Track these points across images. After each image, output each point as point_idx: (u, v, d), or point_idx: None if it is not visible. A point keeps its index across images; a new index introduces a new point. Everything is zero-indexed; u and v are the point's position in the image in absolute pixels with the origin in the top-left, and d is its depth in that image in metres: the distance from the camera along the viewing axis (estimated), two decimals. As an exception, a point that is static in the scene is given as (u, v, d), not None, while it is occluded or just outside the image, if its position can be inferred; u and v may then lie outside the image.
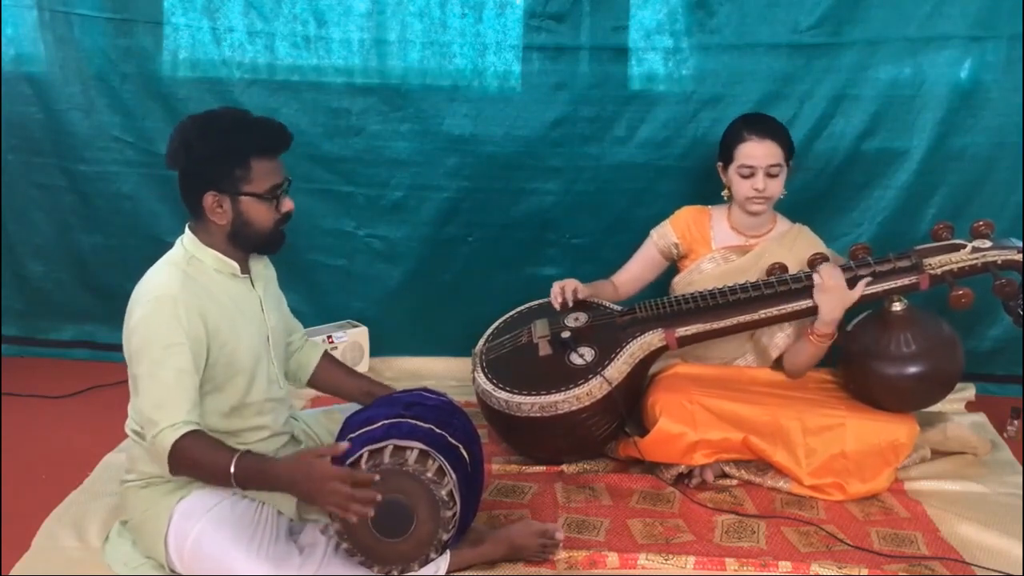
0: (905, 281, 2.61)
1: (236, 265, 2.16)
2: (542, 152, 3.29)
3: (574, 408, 2.58)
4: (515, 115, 3.27)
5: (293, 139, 2.14)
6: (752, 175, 2.73)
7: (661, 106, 3.23)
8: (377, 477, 1.94)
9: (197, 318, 2.04)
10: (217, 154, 2.05)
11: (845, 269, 2.64)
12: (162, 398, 1.99)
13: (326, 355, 2.47)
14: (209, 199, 2.07)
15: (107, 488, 2.53)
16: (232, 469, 1.95)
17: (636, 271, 2.98)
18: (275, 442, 2.26)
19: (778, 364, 2.83)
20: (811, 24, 3.11)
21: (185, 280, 2.07)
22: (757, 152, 2.73)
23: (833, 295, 2.60)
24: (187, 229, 2.17)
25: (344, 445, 2.00)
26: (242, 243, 2.15)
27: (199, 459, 1.98)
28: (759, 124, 2.77)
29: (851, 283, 2.61)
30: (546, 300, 2.87)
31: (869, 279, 2.62)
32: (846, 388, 2.75)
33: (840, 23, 3.10)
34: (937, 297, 2.69)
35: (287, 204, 2.16)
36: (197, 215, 2.12)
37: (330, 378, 2.45)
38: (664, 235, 2.93)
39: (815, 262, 2.68)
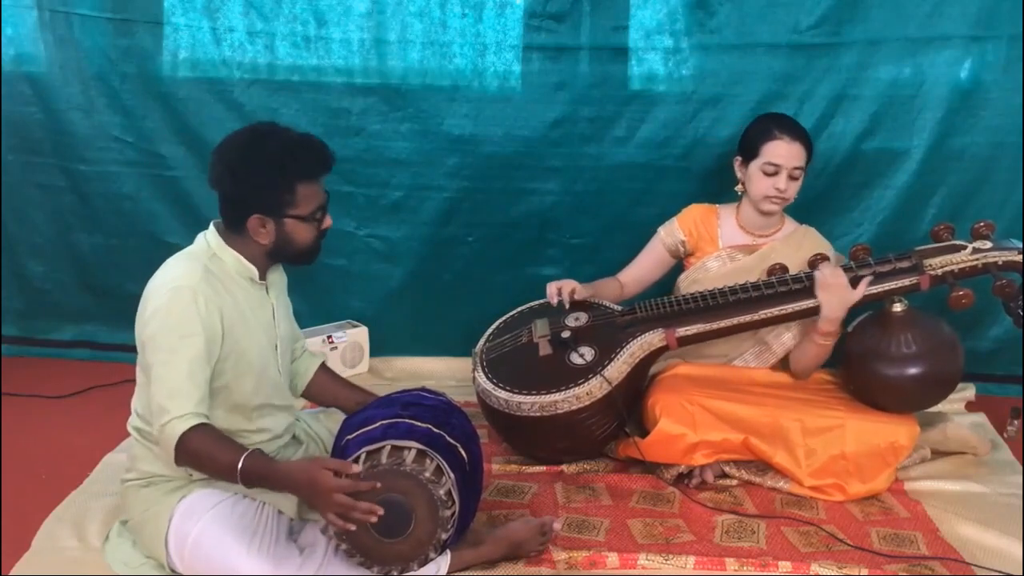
0: (906, 282, 2.61)
1: (256, 271, 2.16)
2: (542, 152, 3.29)
3: (574, 408, 2.58)
4: (515, 115, 3.27)
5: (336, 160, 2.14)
6: (776, 174, 2.72)
7: (661, 106, 3.23)
8: (379, 485, 1.94)
9: (215, 310, 2.05)
10: (263, 181, 2.05)
11: (846, 270, 2.64)
12: (175, 388, 1.99)
13: (323, 366, 2.46)
14: (254, 222, 2.08)
15: (107, 488, 2.53)
16: (240, 466, 1.96)
17: (643, 269, 2.97)
18: (276, 443, 2.26)
19: (783, 364, 2.83)
20: (811, 24, 3.10)
21: (205, 274, 2.07)
22: (786, 152, 2.71)
23: (834, 293, 2.60)
24: (212, 226, 2.16)
25: (356, 468, 1.97)
26: (280, 258, 2.19)
27: (205, 452, 1.99)
28: (789, 125, 2.76)
29: (853, 283, 2.61)
30: (547, 300, 2.87)
31: (871, 279, 2.62)
32: (846, 389, 2.74)
33: (840, 23, 3.10)
34: (937, 298, 2.69)
35: (327, 221, 2.18)
36: (238, 231, 2.12)
37: (325, 389, 2.44)
38: (671, 232, 2.92)
39: (815, 263, 2.69)
